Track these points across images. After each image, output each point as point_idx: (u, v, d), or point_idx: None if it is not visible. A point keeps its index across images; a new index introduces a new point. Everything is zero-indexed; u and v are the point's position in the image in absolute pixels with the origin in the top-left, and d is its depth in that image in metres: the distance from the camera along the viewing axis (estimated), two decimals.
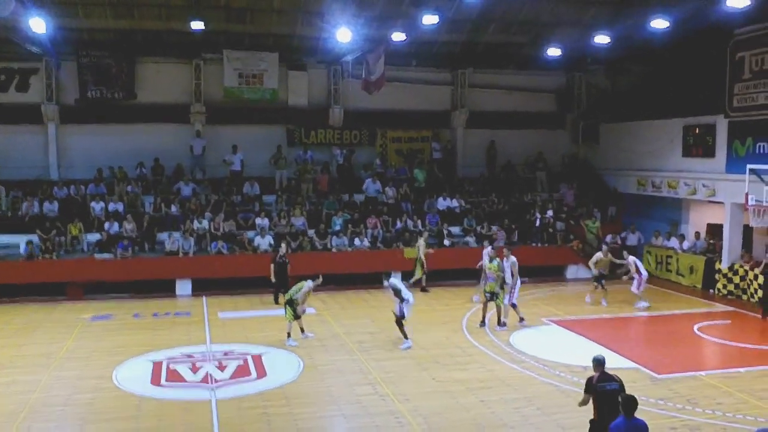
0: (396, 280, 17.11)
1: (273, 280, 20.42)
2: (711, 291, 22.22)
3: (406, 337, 16.02)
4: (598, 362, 9.31)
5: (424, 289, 22.40)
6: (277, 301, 20.04)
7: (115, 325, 18.37)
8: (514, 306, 18.12)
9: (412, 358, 15.24)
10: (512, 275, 17.97)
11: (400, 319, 16.03)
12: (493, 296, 17.94)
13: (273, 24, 24.17)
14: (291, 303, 16.41)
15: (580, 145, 29.59)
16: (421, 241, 22.72)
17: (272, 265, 20.54)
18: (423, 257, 22.54)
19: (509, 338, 16.85)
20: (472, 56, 27.36)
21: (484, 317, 18.27)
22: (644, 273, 20.53)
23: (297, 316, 16.52)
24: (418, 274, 22.69)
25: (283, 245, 21.28)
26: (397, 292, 15.98)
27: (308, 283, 16.80)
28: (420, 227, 24.84)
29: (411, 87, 28.02)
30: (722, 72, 21.76)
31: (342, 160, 27.33)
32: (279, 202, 25.40)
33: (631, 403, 8.14)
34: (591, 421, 9.16)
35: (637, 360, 14.91)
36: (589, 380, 9.21)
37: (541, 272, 24.04)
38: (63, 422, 11.64)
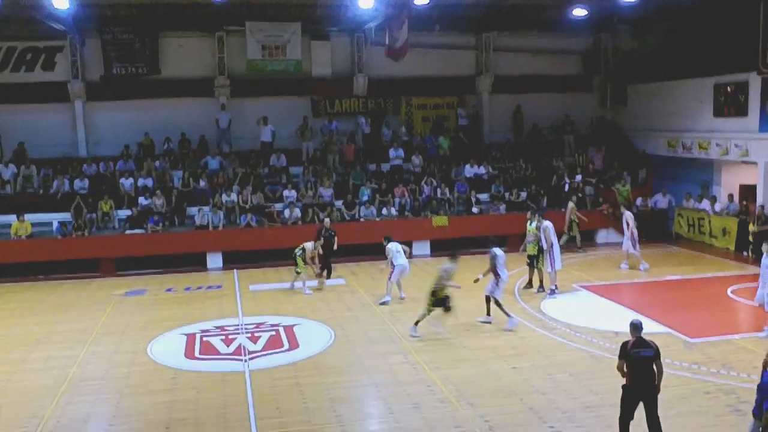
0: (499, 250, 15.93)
1: (320, 251, 20.03)
2: (744, 253, 21.87)
3: (508, 315, 15.18)
4: (635, 327, 9.15)
5: (579, 249, 23.00)
6: (329, 276, 20.04)
7: (149, 300, 18.62)
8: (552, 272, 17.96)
9: (443, 326, 15.24)
10: (545, 240, 17.80)
11: (494, 299, 15.29)
12: (532, 260, 17.94)
13: None
14: (295, 258, 18.47)
15: (607, 107, 29.18)
16: (571, 204, 23.03)
17: (321, 239, 20.17)
18: (575, 218, 22.95)
19: (540, 305, 16.81)
20: (496, 19, 26.94)
21: (530, 280, 18.28)
22: (635, 231, 20.34)
23: (305, 264, 18.47)
24: (574, 232, 23.10)
25: (327, 219, 21.27)
26: (494, 267, 15.42)
27: (308, 245, 18.51)
28: (448, 195, 24.77)
29: (435, 52, 27.70)
30: (755, 26, 21.11)
31: (368, 129, 27.21)
32: (306, 174, 25.43)
33: None
34: (623, 387, 9.11)
35: (670, 324, 14.78)
36: (624, 345, 9.11)
37: (571, 237, 23.90)
38: (100, 396, 11.85)
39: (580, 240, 23.34)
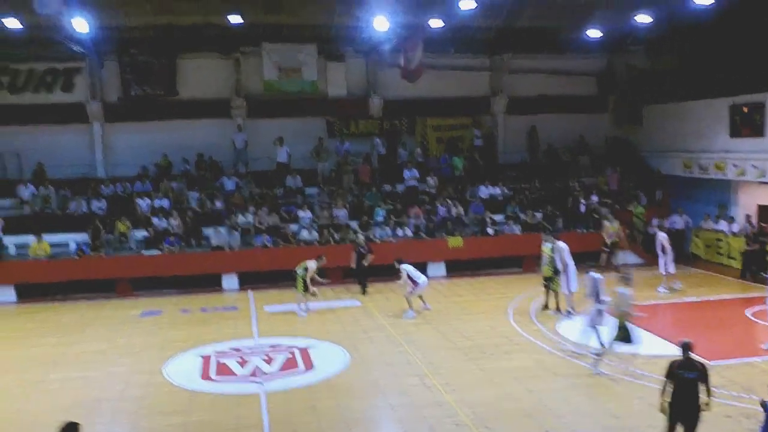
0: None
1: (353, 266, 21.29)
2: (763, 274, 21.65)
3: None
4: (683, 347, 9.16)
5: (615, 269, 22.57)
6: (364, 292, 21.14)
7: (164, 321, 18.67)
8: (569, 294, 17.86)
9: (458, 348, 15.21)
10: (560, 262, 17.72)
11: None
12: (548, 282, 17.91)
13: (310, 15, 24.21)
14: (296, 277, 18.55)
15: (622, 127, 29.12)
16: (607, 223, 23.10)
17: (353, 254, 21.32)
18: (614, 237, 23.00)
19: (556, 326, 16.72)
20: (510, 41, 27.05)
21: (546, 303, 18.24)
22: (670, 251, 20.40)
23: (306, 289, 18.49)
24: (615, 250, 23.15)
25: (361, 235, 22.13)
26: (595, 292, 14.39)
27: (310, 264, 18.62)
28: (463, 215, 24.80)
29: (450, 74, 27.83)
30: None
31: (383, 150, 27.29)
32: (321, 195, 25.51)
33: None
34: (669, 404, 9.09)
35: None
36: (671, 365, 9.14)
37: (587, 258, 23.73)
38: (117, 417, 11.88)
39: (607, 260, 23.00)
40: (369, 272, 21.44)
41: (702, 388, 8.90)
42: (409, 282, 18.06)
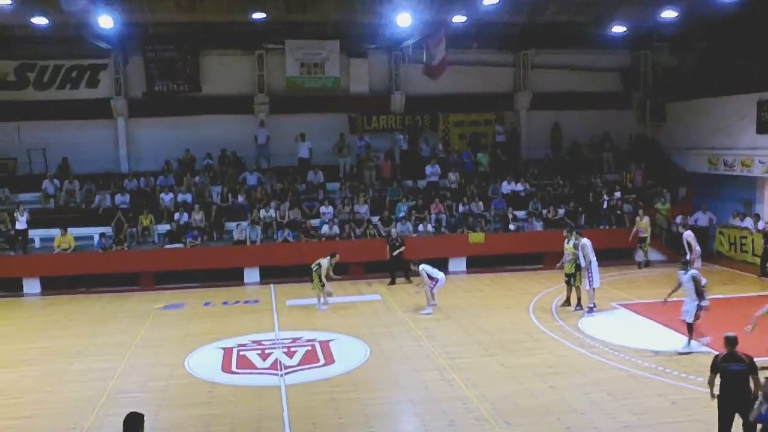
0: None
1: (389, 257, 21.79)
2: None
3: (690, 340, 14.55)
4: (728, 341, 9.14)
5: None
6: (393, 282, 21.72)
7: (187, 314, 18.82)
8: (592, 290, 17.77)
9: (479, 343, 15.18)
10: (584, 258, 17.62)
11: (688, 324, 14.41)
12: (569, 279, 17.84)
13: (333, 11, 24.20)
14: (311, 273, 18.72)
15: (647, 124, 28.87)
16: (638, 218, 23.44)
17: (388, 247, 21.82)
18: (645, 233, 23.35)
19: (577, 323, 16.63)
20: (533, 36, 26.91)
21: (568, 298, 18.19)
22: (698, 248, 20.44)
23: (322, 285, 18.61)
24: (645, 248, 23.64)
25: (393, 229, 22.53)
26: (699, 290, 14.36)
27: (323, 262, 18.68)
28: (484, 211, 24.76)
29: (472, 69, 27.73)
30: None
31: (405, 145, 27.28)
32: (342, 190, 25.56)
33: None
34: (718, 397, 9.08)
35: (711, 345, 14.49)
36: (715, 359, 9.14)
37: (610, 255, 23.60)
38: (139, 408, 11.71)
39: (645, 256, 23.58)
40: (400, 265, 21.64)
41: (751, 378, 8.85)
42: (429, 281, 18.11)
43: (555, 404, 11.58)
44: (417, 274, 18.62)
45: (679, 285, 14.54)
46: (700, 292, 14.25)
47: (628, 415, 11.04)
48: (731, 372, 8.84)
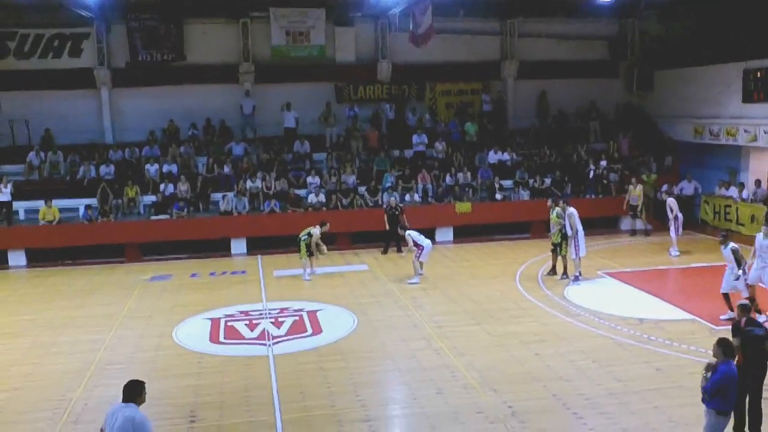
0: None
1: (387, 227, 21.57)
2: None
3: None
4: (744, 308, 9.33)
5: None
6: (385, 252, 21.82)
7: (174, 285, 18.79)
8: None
9: (466, 312, 15.27)
10: (570, 227, 17.68)
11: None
12: (556, 248, 17.93)
13: None
14: (299, 243, 18.67)
15: (634, 93, 28.83)
16: (631, 187, 23.46)
17: (385, 216, 21.64)
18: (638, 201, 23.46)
19: (563, 291, 16.75)
20: (521, 4, 26.69)
21: (554, 267, 18.31)
22: (680, 215, 20.68)
23: (310, 254, 18.62)
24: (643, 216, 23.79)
25: (392, 198, 22.35)
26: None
27: (314, 231, 18.65)
28: (470, 181, 24.75)
29: (459, 38, 27.51)
30: None
31: (392, 115, 27.15)
32: (329, 160, 25.47)
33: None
34: (738, 366, 8.86)
35: (695, 312, 14.69)
36: (737, 324, 9.23)
37: (596, 224, 23.72)
38: (127, 379, 11.84)
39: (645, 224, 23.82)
40: (394, 236, 21.52)
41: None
42: (415, 248, 18.18)
43: (541, 372, 11.70)
44: (403, 239, 18.74)
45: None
46: (739, 262, 14.23)
47: (614, 381, 11.17)
48: (754, 336, 8.91)
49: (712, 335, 13.14)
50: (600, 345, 12.97)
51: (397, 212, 21.75)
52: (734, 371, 7.94)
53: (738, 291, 14.10)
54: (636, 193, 23.37)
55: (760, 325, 9.18)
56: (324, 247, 18.99)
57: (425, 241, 18.27)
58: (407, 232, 18.47)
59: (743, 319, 9.19)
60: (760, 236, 14.31)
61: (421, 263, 18.32)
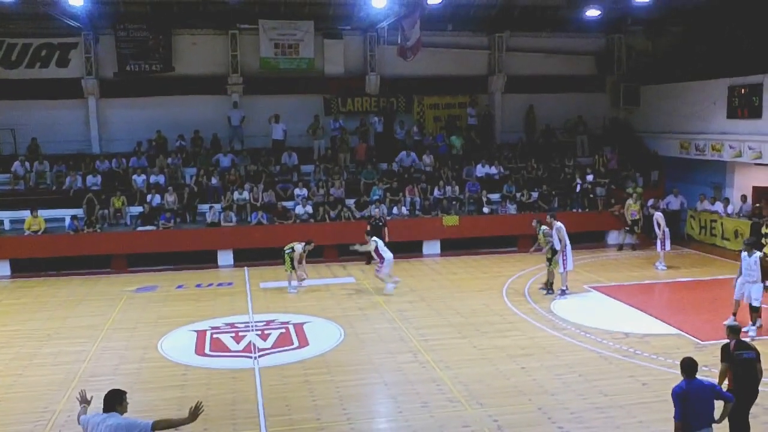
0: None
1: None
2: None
3: None
4: (732, 330, 9.09)
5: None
6: (369, 263, 21.40)
7: (159, 297, 18.69)
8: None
9: (452, 325, 15.27)
10: (559, 241, 17.69)
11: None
12: (548, 262, 17.99)
13: None
14: (283, 255, 18.63)
15: (620, 108, 29.01)
16: (630, 201, 23.55)
17: (368, 227, 21.26)
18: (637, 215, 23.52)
19: (550, 305, 16.77)
20: (508, 19, 26.89)
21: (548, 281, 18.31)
22: (666, 230, 20.70)
23: (293, 267, 18.54)
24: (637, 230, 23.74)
25: (376, 209, 22.55)
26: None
27: (297, 247, 18.55)
28: (458, 194, 24.81)
29: (447, 52, 27.68)
30: None
31: (381, 128, 27.21)
32: (317, 172, 25.46)
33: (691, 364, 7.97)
34: (729, 390, 8.80)
35: (680, 327, 14.74)
36: (725, 348, 8.94)
37: (582, 239, 23.82)
38: None
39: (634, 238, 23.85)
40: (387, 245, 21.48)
41: (758, 366, 8.82)
42: (376, 256, 18.40)
43: (527, 385, 11.70)
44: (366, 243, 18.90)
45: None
46: (765, 273, 14.28)
47: (599, 396, 11.19)
48: (745, 360, 8.73)
49: (697, 350, 13.27)
50: (586, 359, 12.99)
51: (380, 224, 21.79)
52: (678, 388, 7.84)
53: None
54: (635, 207, 23.39)
55: (750, 347, 8.91)
56: (304, 271, 18.89)
57: (388, 254, 18.31)
58: (373, 238, 18.62)
59: (732, 342, 8.94)
60: (744, 253, 14.40)
61: (382, 276, 18.44)
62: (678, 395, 7.77)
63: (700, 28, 26.30)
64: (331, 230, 22.55)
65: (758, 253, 14.39)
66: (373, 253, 18.52)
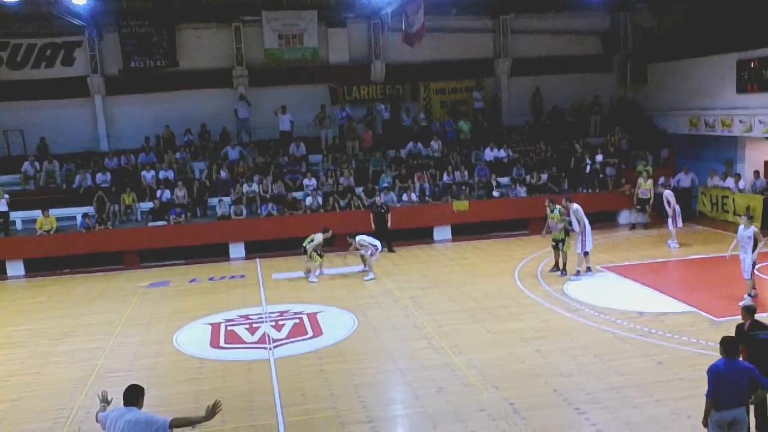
0: None
1: (373, 227, 21.51)
2: None
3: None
4: (748, 310, 9.00)
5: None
6: (391, 250, 21.62)
7: (173, 291, 18.76)
8: (586, 254, 17.78)
9: (465, 310, 15.25)
10: (578, 222, 17.63)
11: None
12: (558, 244, 17.92)
13: None
14: (306, 250, 18.71)
15: (628, 86, 28.84)
16: (641, 180, 23.36)
17: (371, 215, 21.75)
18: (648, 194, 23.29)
19: (563, 287, 16.73)
20: (512, 1, 26.76)
21: (556, 263, 18.25)
22: (677, 207, 20.63)
23: (320, 256, 19.04)
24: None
25: (377, 197, 22.61)
26: None
27: (317, 236, 18.77)
28: (467, 179, 24.76)
29: (452, 36, 27.54)
30: None
31: (387, 115, 27.14)
32: (325, 162, 25.45)
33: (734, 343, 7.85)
34: None
35: (695, 304, 14.68)
36: (740, 328, 8.89)
37: (593, 218, 23.64)
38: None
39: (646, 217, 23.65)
40: (389, 232, 21.82)
41: None
42: (370, 246, 18.69)
43: (542, 368, 11.69)
44: (351, 245, 19.26)
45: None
46: (756, 247, 14.48)
47: (615, 376, 11.16)
48: (761, 341, 8.64)
49: (712, 327, 13.23)
50: (600, 339, 12.96)
51: (383, 211, 21.86)
52: (715, 367, 7.74)
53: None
54: (646, 186, 23.20)
55: (765, 327, 8.83)
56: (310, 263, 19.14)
57: (376, 241, 18.96)
58: (358, 237, 18.89)
59: (747, 323, 8.89)
60: (740, 227, 14.51)
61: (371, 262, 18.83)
62: (713, 372, 7.70)
63: (707, 3, 26.02)
64: (342, 219, 22.56)
65: (753, 228, 14.64)
66: (367, 245, 18.75)
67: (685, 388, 10.40)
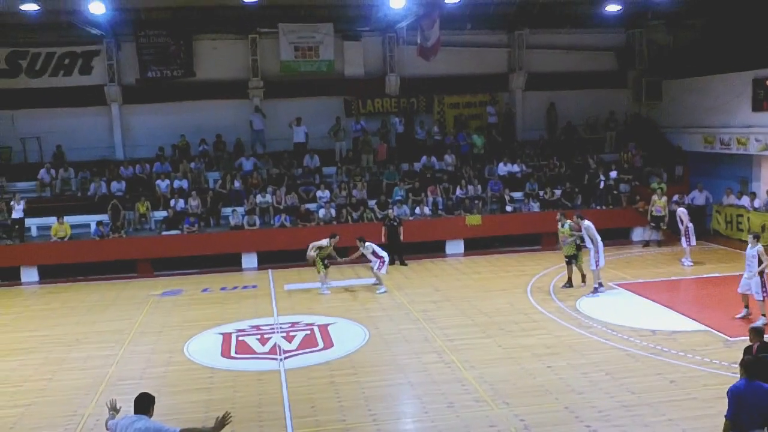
0: None
1: (384, 241, 21.48)
2: None
3: None
4: (757, 332, 8.94)
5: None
6: (392, 263, 21.03)
7: (185, 300, 18.83)
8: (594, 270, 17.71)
9: (477, 325, 15.22)
10: (591, 240, 17.54)
11: None
12: (570, 260, 17.88)
13: None
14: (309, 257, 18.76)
15: (642, 103, 28.76)
16: (656, 197, 23.24)
17: (383, 228, 21.84)
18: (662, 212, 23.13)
19: (576, 303, 16.67)
20: (528, 16, 26.72)
21: (569, 279, 18.19)
22: (690, 225, 20.49)
23: (325, 267, 18.82)
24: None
25: (390, 210, 22.63)
26: None
27: (322, 242, 18.80)
28: (480, 193, 24.75)
29: (467, 51, 27.62)
30: None
31: (401, 128, 27.20)
32: (339, 174, 25.51)
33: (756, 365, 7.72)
34: None
35: (708, 323, 14.59)
36: (748, 350, 8.82)
37: (607, 235, 23.57)
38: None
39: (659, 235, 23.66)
40: (402, 245, 21.90)
41: None
42: (376, 258, 18.62)
43: (553, 384, 11.63)
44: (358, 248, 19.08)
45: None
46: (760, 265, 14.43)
47: (627, 393, 11.09)
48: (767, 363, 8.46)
49: (725, 346, 13.13)
50: (613, 357, 12.89)
51: (396, 224, 21.91)
52: (735, 388, 7.67)
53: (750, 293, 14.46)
54: (661, 203, 23.08)
55: None
56: (338, 259, 19.52)
57: (384, 253, 18.89)
58: (366, 243, 18.82)
59: (755, 345, 8.82)
60: (749, 246, 14.44)
61: (380, 275, 18.79)
62: (733, 393, 7.60)
63: (723, 21, 25.98)
64: (354, 231, 22.54)
65: (759, 246, 14.57)
66: (371, 256, 18.68)
67: (698, 408, 10.33)
